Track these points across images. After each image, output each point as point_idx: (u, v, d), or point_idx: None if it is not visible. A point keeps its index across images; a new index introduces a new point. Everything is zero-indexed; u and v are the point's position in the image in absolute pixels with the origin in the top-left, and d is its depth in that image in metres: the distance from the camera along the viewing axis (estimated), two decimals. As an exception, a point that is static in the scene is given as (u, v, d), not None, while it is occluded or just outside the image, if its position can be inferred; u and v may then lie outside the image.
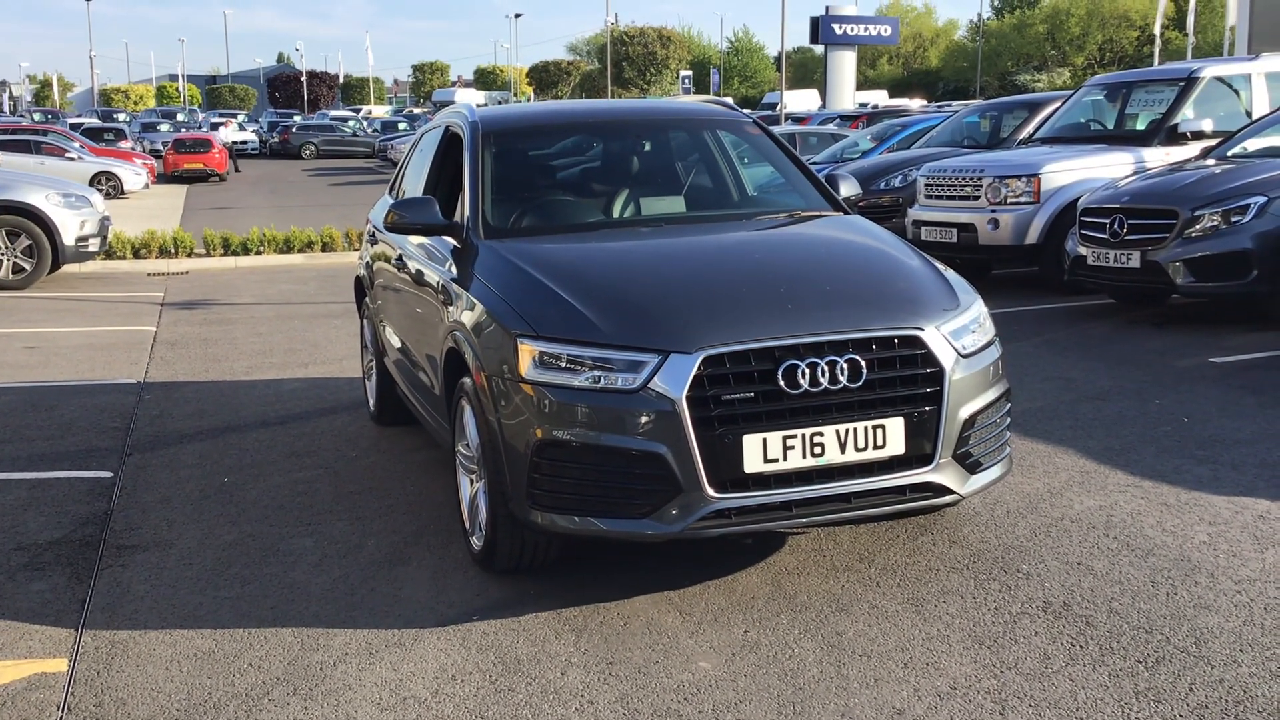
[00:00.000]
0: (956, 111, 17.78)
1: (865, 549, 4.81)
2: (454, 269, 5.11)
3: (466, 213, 5.25)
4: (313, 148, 53.19)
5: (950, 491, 4.32)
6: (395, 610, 4.44)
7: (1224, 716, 3.42)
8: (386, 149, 46.39)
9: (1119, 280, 9.75)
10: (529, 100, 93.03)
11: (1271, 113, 10.97)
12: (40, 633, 4.34)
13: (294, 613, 4.46)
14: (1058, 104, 14.03)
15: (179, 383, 8.76)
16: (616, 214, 5.54)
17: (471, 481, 4.82)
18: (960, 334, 4.40)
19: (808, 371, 4.08)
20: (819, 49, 55.97)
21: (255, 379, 8.86)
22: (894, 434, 4.19)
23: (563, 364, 4.19)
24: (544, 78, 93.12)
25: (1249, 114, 11.73)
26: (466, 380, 4.67)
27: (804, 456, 4.10)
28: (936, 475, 4.27)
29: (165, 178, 37.16)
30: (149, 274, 15.92)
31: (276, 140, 54.31)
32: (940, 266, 4.88)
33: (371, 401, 7.37)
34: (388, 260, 6.44)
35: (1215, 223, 9.09)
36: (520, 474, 4.27)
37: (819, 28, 45.35)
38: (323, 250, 17.19)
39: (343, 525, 5.44)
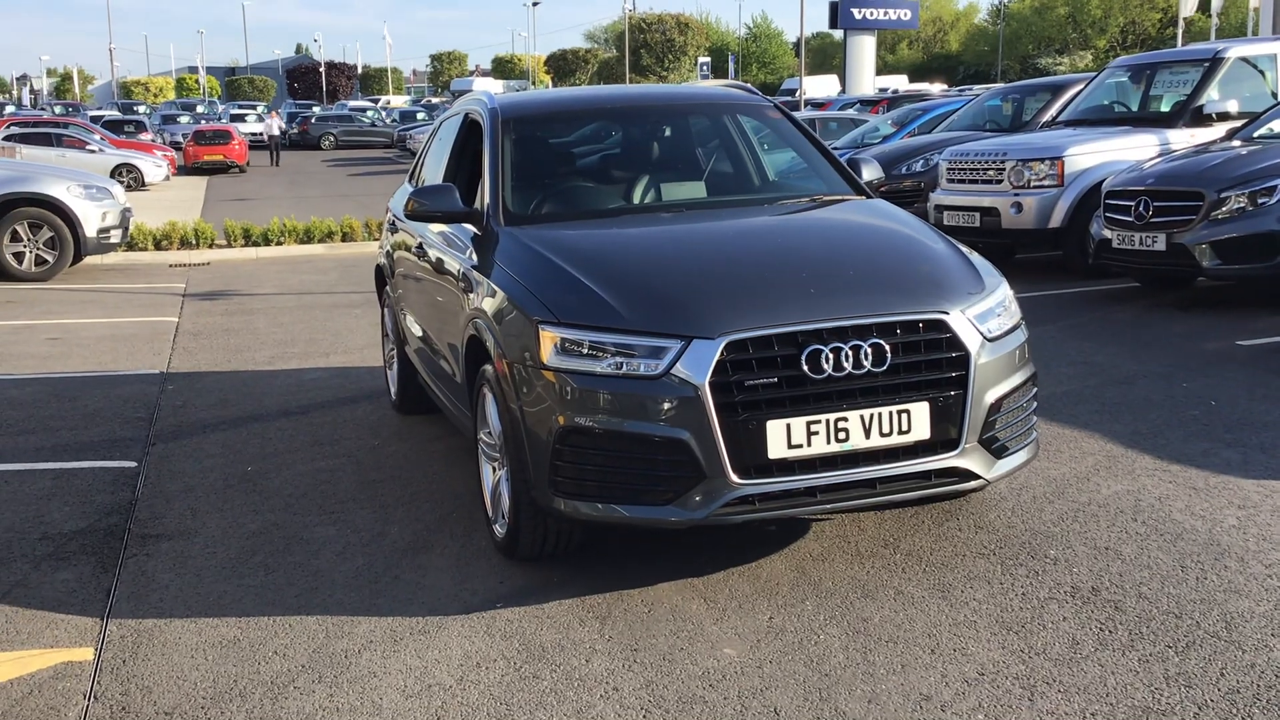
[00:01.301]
0: (978, 95, 17.65)
1: (890, 535, 4.77)
2: (474, 256, 5.09)
3: (487, 200, 5.23)
4: (332, 138, 53.32)
5: (976, 476, 4.28)
6: (419, 598, 4.44)
7: (1255, 701, 3.38)
8: (405, 139, 46.44)
9: (1144, 263, 9.66)
10: (547, 88, 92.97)
11: (1293, 95, 10.86)
12: (66, 622, 4.35)
13: (318, 601, 4.46)
14: (1080, 86, 13.91)
15: (202, 373, 8.78)
16: (637, 200, 5.51)
17: (494, 469, 4.81)
18: (985, 317, 4.36)
19: (831, 356, 4.05)
20: (838, 34, 55.67)
21: (277, 369, 8.87)
22: (919, 419, 4.15)
23: (585, 350, 4.17)
24: (562, 66, 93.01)
25: (1275, 94, 11.61)
26: (488, 368, 4.66)
27: (828, 442, 4.07)
28: (962, 460, 4.23)
29: (185, 169, 37.31)
30: (170, 265, 15.97)
31: (296, 131, 54.42)
32: (965, 249, 4.83)
33: (393, 390, 7.37)
34: (408, 249, 6.43)
35: (1242, 204, 8.99)
36: (543, 461, 4.25)
37: (838, 12, 45.13)
38: (343, 240, 17.20)
39: (365, 514, 5.44)
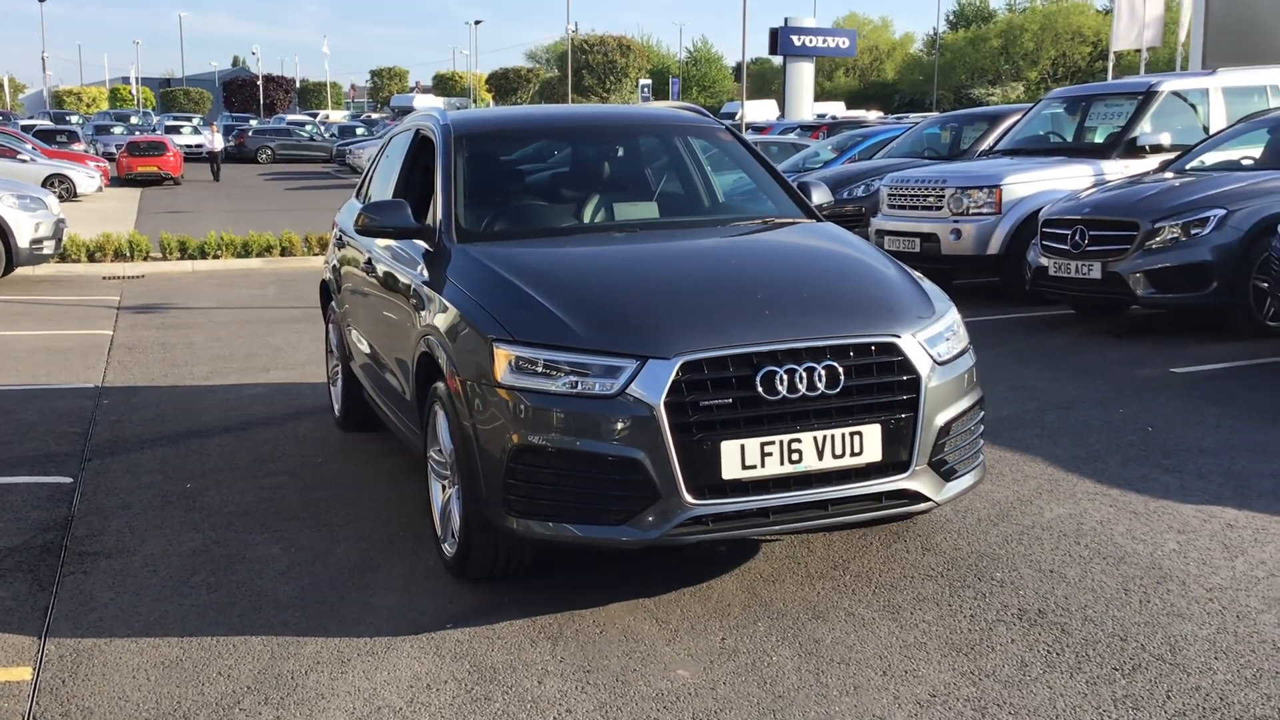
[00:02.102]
0: (916, 124, 17.90)
1: (839, 556, 4.80)
2: (426, 272, 5.06)
3: (439, 216, 5.21)
4: (269, 151, 52.77)
5: (926, 499, 4.32)
6: (366, 618, 4.38)
7: (1201, 723, 3.43)
8: (345, 154, 46.09)
9: (1080, 291, 9.85)
10: (490, 106, 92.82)
11: (1228, 127, 11.13)
12: (2, 640, 4.24)
13: (263, 621, 4.39)
14: (1017, 116, 14.17)
15: (138, 387, 8.63)
16: (589, 219, 5.51)
17: (444, 488, 4.78)
18: (935, 341, 4.41)
19: (786, 378, 4.07)
20: (777, 60, 56.15)
21: (215, 384, 8.75)
22: (871, 441, 4.18)
23: (539, 369, 4.16)
24: (503, 84, 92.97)
25: (1206, 129, 11.88)
26: (440, 385, 4.63)
27: (781, 463, 4.09)
28: (913, 482, 4.27)
29: (119, 180, 36.72)
30: (104, 277, 15.70)
31: (233, 144, 53.83)
32: (915, 274, 4.89)
33: (336, 407, 7.29)
34: (356, 264, 6.38)
35: (1175, 235, 9.19)
36: (496, 479, 4.23)
37: (778, 39, 45.48)
38: (282, 254, 17.02)
39: (309, 532, 5.37)
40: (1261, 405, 7.10)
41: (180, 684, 3.89)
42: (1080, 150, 12.24)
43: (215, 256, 16.64)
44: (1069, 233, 9.75)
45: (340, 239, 6.94)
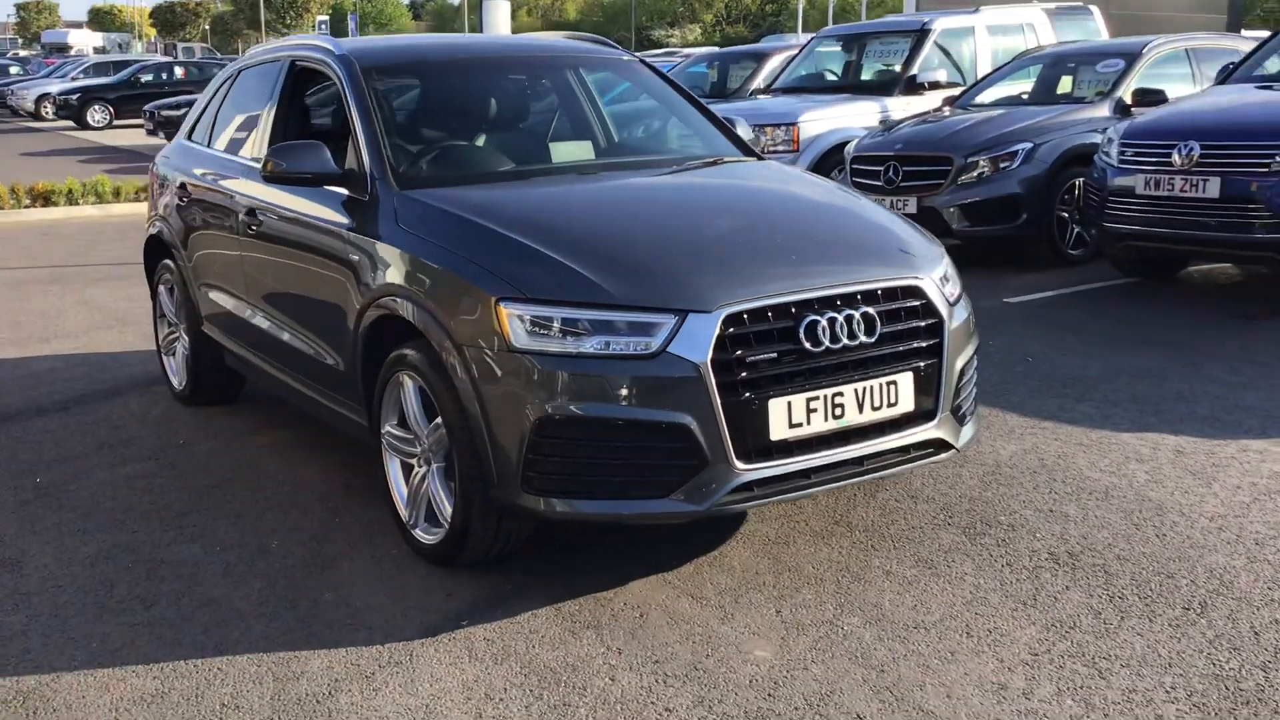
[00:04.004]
0: (678, 62, 17.88)
1: (832, 511, 4.59)
2: (359, 224, 4.46)
3: (366, 160, 4.58)
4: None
5: (950, 447, 4.17)
6: (361, 622, 3.83)
7: (1295, 656, 3.43)
8: (4, 95, 41.88)
9: (893, 226, 10.01)
10: (155, 42, 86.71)
11: (1006, 64, 11.60)
12: (-81, 692, 3.46)
13: (236, 636, 3.77)
14: (783, 55, 14.32)
15: (-100, 367, 7.40)
16: (526, 160, 5.01)
17: (416, 465, 4.24)
18: (945, 282, 4.24)
19: (827, 327, 3.80)
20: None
21: (-6, 358, 7.62)
22: (905, 390, 3.97)
23: (556, 329, 3.70)
24: (170, 20, 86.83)
25: (973, 65, 12.39)
26: (408, 352, 4.09)
27: (825, 419, 3.82)
28: (939, 431, 4.10)
29: None
30: None
31: None
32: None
33: (177, 380, 6.46)
34: (221, 215, 5.60)
35: (986, 169, 9.47)
36: (511, 456, 3.75)
37: (474, -25, 44.48)
38: (-14, 208, 15.15)
39: (224, 526, 4.70)
40: (1113, 331, 7.39)
41: (183, 724, 3.27)
42: (862, 88, 12.45)
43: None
44: (881, 169, 9.88)
45: (185, 187, 6.06)
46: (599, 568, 4.14)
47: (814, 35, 14.57)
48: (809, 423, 3.79)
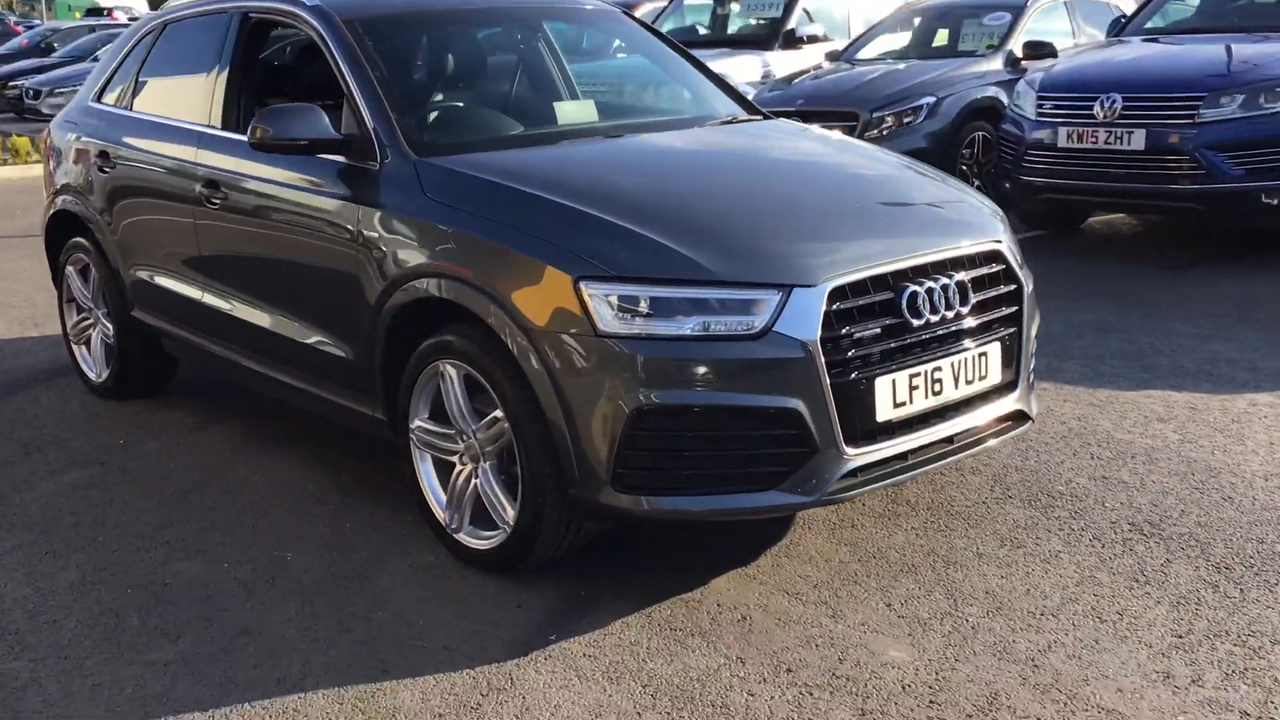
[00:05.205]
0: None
1: (884, 490, 4.36)
2: (375, 196, 3.97)
3: (371, 124, 4.07)
4: None
5: (1029, 418, 4.00)
6: (432, 642, 3.42)
7: None
8: None
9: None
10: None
11: (887, 18, 11.58)
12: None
13: (295, 669, 3.31)
14: (647, 7, 14.00)
15: None
16: (539, 122, 4.57)
17: (455, 464, 3.82)
18: (1014, 246, 4.05)
19: (926, 298, 3.55)
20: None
21: None
22: (994, 362, 3.78)
23: (643, 309, 3.35)
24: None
25: (848, 20, 12.39)
26: (451, 339, 3.66)
27: (926, 396, 3.59)
28: (1020, 402, 3.92)
29: None
30: None
31: None
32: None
33: (95, 371, 5.77)
34: (169, 187, 4.96)
35: (891, 124, 9.40)
36: (600, 451, 3.38)
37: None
38: None
39: (218, 539, 4.18)
40: (1049, 284, 7.35)
41: (284, 783, 2.82)
42: (740, 42, 12.26)
43: None
44: (786, 124, 9.70)
45: (107, 155, 5.36)
46: (670, 565, 3.81)
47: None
48: (911, 401, 3.55)
